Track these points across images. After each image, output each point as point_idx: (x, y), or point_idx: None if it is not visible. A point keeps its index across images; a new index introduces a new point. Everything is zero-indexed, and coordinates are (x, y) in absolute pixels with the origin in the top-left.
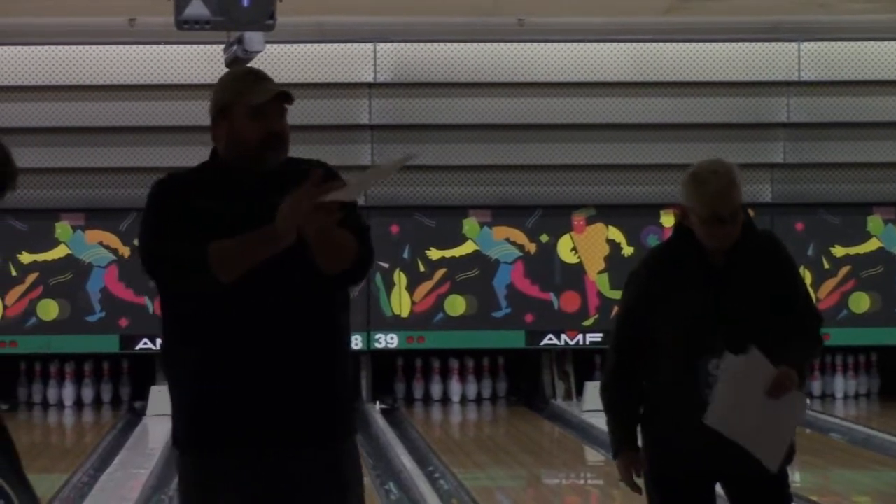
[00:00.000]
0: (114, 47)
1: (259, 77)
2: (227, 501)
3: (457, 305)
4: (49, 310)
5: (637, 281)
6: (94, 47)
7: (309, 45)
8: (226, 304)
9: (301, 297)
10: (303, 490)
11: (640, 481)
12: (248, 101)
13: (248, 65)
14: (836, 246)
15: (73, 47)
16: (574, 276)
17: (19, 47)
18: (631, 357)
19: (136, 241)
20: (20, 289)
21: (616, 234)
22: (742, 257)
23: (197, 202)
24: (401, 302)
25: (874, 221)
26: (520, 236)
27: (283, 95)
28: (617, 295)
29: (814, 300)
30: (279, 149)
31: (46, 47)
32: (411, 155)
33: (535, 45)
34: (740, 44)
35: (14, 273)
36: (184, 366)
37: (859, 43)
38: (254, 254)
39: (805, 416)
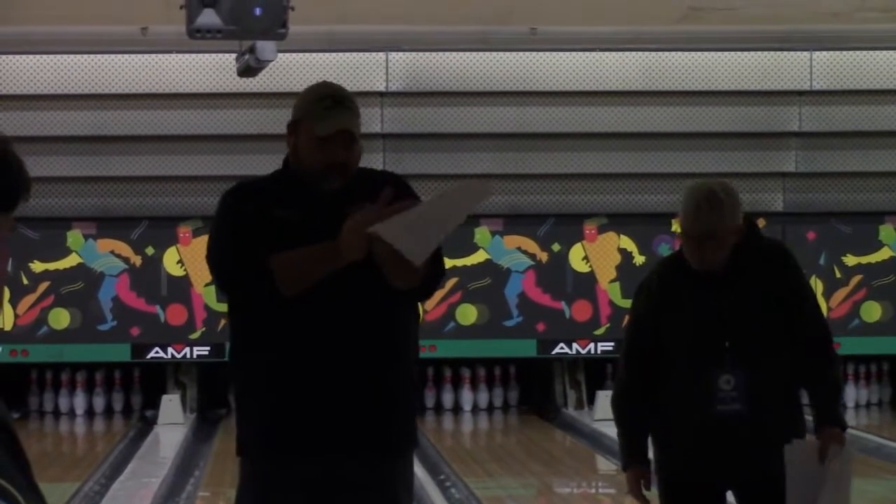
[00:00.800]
0: (126, 56)
1: (336, 102)
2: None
3: (468, 314)
4: (60, 319)
5: (645, 291)
6: (106, 56)
7: (321, 54)
8: (294, 314)
9: (369, 308)
10: (360, 499)
11: (649, 494)
12: (314, 129)
13: (260, 73)
14: (847, 255)
15: (86, 56)
16: (586, 284)
17: (32, 56)
18: (641, 368)
19: (148, 250)
20: (31, 297)
21: (628, 242)
22: (747, 267)
23: (275, 211)
24: None
25: (886, 230)
26: (531, 245)
27: (344, 139)
28: (629, 304)
29: (822, 311)
30: (339, 177)
31: (59, 56)
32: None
33: (548, 53)
34: (752, 53)
35: (25, 282)
36: (252, 374)
37: (871, 52)
38: (316, 269)
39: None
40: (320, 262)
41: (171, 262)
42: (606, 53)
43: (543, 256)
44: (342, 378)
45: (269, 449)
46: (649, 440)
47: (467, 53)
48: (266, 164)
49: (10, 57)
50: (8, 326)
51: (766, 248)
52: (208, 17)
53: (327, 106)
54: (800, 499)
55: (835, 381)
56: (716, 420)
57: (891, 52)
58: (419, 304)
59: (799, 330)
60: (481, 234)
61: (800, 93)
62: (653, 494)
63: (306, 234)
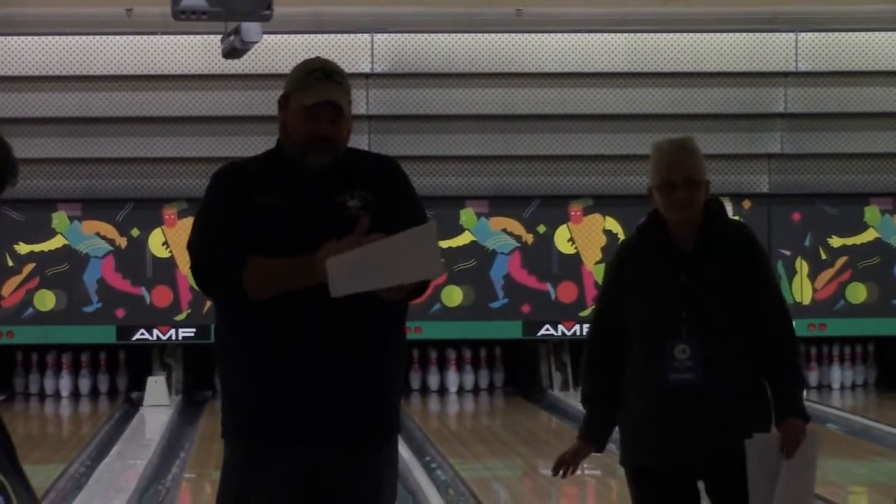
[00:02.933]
0: (111, 37)
1: (325, 75)
2: (265, 492)
3: (454, 296)
4: (46, 300)
5: (609, 269)
6: (91, 37)
7: (306, 36)
8: (278, 303)
9: (352, 298)
10: (339, 488)
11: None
12: (301, 99)
13: (246, 55)
14: (833, 236)
15: (71, 37)
16: (571, 266)
17: (17, 37)
18: (603, 346)
19: (134, 232)
20: (17, 279)
21: (613, 224)
22: (711, 244)
23: (257, 197)
24: None
25: (871, 212)
26: (517, 227)
27: (329, 112)
28: None
29: (784, 297)
30: (324, 152)
31: (44, 37)
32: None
33: (533, 35)
34: (738, 34)
35: (11, 263)
36: (236, 359)
37: (856, 33)
38: (288, 282)
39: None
40: (293, 277)
41: (156, 243)
42: (592, 35)
43: (529, 238)
44: (324, 366)
45: (251, 433)
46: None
47: (452, 35)
48: (252, 145)
49: None
50: None
51: (731, 228)
52: None
53: (317, 77)
54: (763, 493)
55: (797, 370)
56: (670, 390)
57: (876, 33)
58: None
59: (762, 317)
60: (467, 215)
61: (785, 74)
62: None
63: (288, 221)
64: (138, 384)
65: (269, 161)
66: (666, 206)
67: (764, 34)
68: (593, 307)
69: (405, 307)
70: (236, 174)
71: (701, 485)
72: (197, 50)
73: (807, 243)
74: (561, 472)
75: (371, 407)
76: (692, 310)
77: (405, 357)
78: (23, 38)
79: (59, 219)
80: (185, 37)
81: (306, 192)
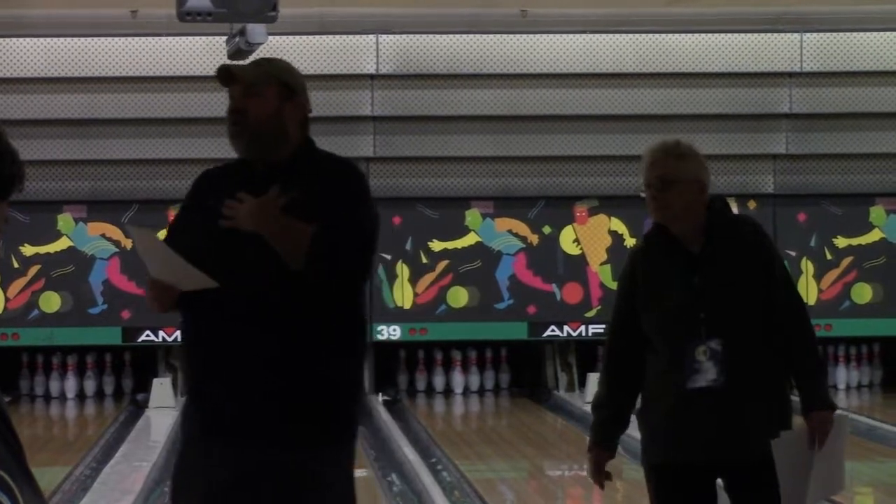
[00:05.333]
0: (117, 39)
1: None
2: (197, 487)
3: (459, 297)
4: (51, 302)
5: (622, 278)
6: (97, 39)
7: (311, 37)
8: (203, 307)
9: (275, 301)
10: (265, 488)
11: (635, 482)
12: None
13: (251, 56)
14: (838, 237)
15: (76, 39)
16: (576, 267)
17: (23, 39)
18: (620, 354)
19: None
20: (22, 281)
21: (618, 225)
22: (719, 243)
23: (209, 201)
24: (403, 294)
25: (877, 212)
26: (522, 227)
27: (221, 75)
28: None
29: (796, 287)
30: (240, 127)
31: (49, 39)
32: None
33: (538, 36)
34: (743, 35)
35: (16, 265)
36: (183, 360)
37: (861, 34)
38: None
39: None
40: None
41: None
42: (597, 35)
43: (534, 239)
44: (248, 368)
45: (193, 432)
46: (633, 428)
47: (458, 36)
48: None
49: (1, 40)
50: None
51: (737, 224)
52: (199, 0)
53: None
54: (794, 489)
55: (816, 360)
56: (692, 391)
57: (881, 33)
58: (353, 291)
59: (776, 311)
60: (472, 216)
61: (790, 74)
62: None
63: (220, 222)
64: (144, 386)
65: (235, 165)
66: (649, 209)
67: (769, 34)
68: (611, 317)
69: (347, 313)
70: (199, 180)
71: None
72: (202, 51)
73: (812, 244)
74: (600, 484)
75: (294, 409)
76: (709, 310)
77: (351, 360)
78: (28, 39)
79: (64, 220)
80: (191, 38)
81: (248, 192)
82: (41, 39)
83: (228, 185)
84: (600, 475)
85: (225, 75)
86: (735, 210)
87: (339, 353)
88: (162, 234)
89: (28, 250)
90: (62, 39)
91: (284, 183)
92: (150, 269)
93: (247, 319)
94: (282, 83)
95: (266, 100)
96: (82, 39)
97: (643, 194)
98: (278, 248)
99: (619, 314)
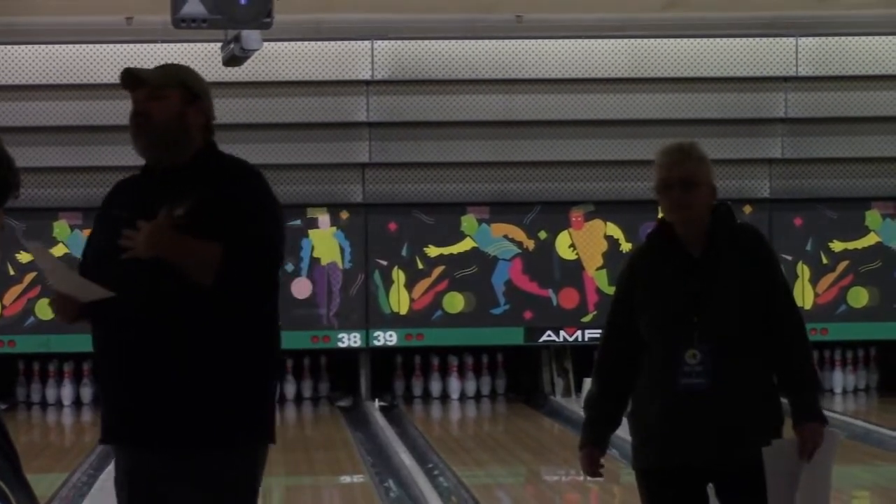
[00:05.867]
0: (112, 46)
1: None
2: (119, 492)
3: (455, 303)
4: (47, 309)
5: (620, 277)
6: (92, 46)
7: (306, 43)
8: (103, 318)
9: (161, 305)
10: (158, 491)
11: (629, 489)
12: None
13: (246, 62)
14: (834, 241)
15: (72, 46)
16: (572, 272)
17: (17, 46)
18: (614, 352)
19: None
20: (18, 288)
21: (614, 230)
22: (720, 249)
23: (113, 210)
24: (399, 299)
25: (872, 216)
26: (518, 233)
27: (125, 79)
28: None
29: (795, 300)
30: (142, 130)
31: (44, 46)
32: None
33: (533, 41)
34: (738, 39)
35: (12, 272)
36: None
37: (857, 38)
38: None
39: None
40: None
41: None
42: (592, 41)
43: (530, 244)
44: (135, 369)
45: (101, 438)
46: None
47: (453, 41)
48: (251, 153)
49: None
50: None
51: (740, 231)
52: (193, 7)
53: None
54: (782, 498)
55: (811, 372)
56: (681, 394)
57: (876, 37)
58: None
59: (772, 321)
60: (468, 222)
61: (786, 79)
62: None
63: (121, 230)
64: None
65: (140, 172)
66: (664, 207)
67: (764, 39)
68: (607, 317)
69: (251, 320)
70: (111, 189)
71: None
72: (197, 58)
73: (808, 248)
74: (593, 477)
75: (173, 412)
76: (703, 315)
77: (255, 365)
78: (24, 46)
79: (60, 227)
80: (185, 45)
81: (146, 200)
82: (37, 47)
83: (132, 193)
84: (594, 467)
85: (129, 79)
86: None
87: (240, 357)
88: None
89: (24, 257)
90: (58, 46)
91: (183, 187)
92: (50, 282)
93: (144, 328)
94: (185, 87)
95: (169, 103)
96: (78, 46)
97: (656, 195)
98: (183, 267)
99: (615, 314)
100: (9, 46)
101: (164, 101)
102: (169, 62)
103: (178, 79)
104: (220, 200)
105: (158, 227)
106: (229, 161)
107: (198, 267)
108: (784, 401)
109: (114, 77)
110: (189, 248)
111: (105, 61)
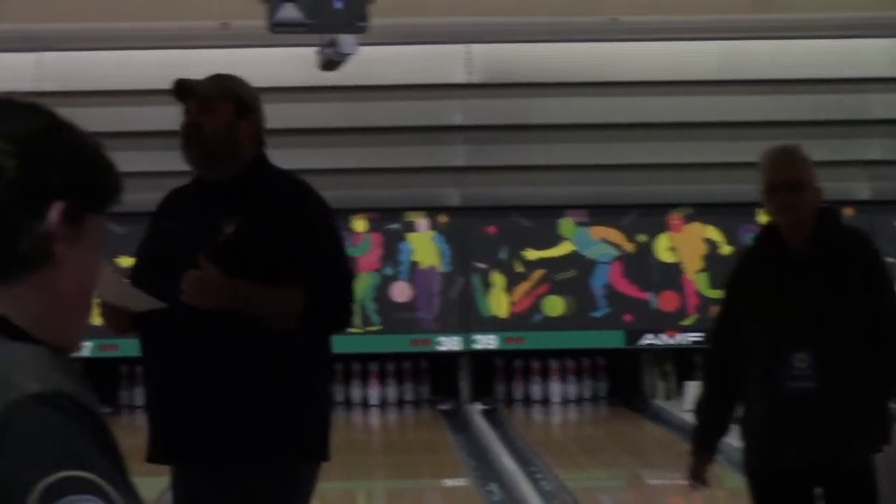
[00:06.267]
0: (207, 51)
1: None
2: None
3: (555, 306)
4: None
5: (727, 280)
6: (188, 51)
7: (401, 47)
8: (148, 330)
9: (215, 323)
10: None
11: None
12: None
13: (342, 66)
14: None
15: (168, 51)
16: (672, 275)
17: (115, 52)
18: (720, 358)
19: None
20: None
21: (713, 232)
22: (826, 252)
23: (164, 223)
24: (499, 303)
25: None
26: (617, 236)
27: (176, 90)
28: (715, 293)
29: None
30: (192, 141)
31: (142, 52)
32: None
33: (628, 43)
34: (832, 40)
35: None
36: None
37: None
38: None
39: None
40: None
41: None
42: (687, 42)
43: (629, 247)
44: (184, 388)
45: (148, 456)
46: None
47: (548, 44)
48: (348, 156)
49: (96, 53)
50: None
51: (846, 234)
52: (289, 12)
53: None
54: None
55: None
56: (788, 398)
57: None
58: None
59: (880, 324)
60: (566, 225)
61: (882, 80)
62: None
63: (175, 245)
64: None
65: (191, 183)
66: (771, 210)
67: (858, 39)
68: (713, 321)
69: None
70: (164, 197)
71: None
72: (292, 62)
73: None
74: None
75: (233, 425)
76: (809, 319)
77: (308, 379)
78: (121, 52)
79: None
80: (281, 49)
81: (196, 212)
82: (134, 52)
83: (183, 204)
84: (698, 478)
85: (180, 89)
86: None
87: (295, 374)
88: None
89: (123, 262)
90: (155, 52)
91: (233, 201)
92: (99, 292)
93: (198, 344)
94: (237, 99)
95: (220, 115)
96: (174, 52)
97: (761, 198)
98: (260, 316)
99: (721, 318)
100: (108, 52)
101: (216, 113)
102: (263, 66)
103: (229, 91)
104: (274, 221)
105: (203, 279)
106: (280, 175)
107: (280, 316)
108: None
109: None
110: (258, 299)
111: (201, 66)
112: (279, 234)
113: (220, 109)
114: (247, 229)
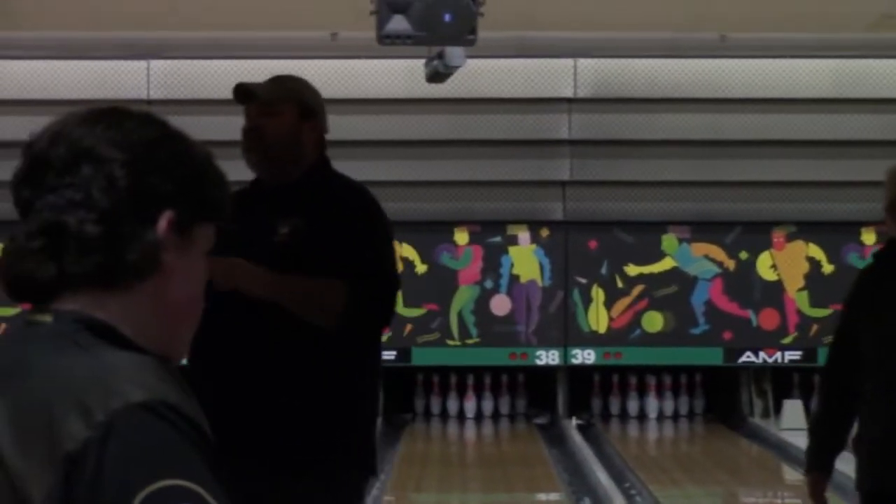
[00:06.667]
0: (316, 61)
1: (243, 88)
2: None
3: (654, 321)
4: None
5: (848, 295)
6: (296, 61)
7: (509, 60)
8: (207, 328)
9: (266, 328)
10: None
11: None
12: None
13: (449, 79)
14: None
15: (276, 61)
16: (773, 293)
17: (224, 61)
18: (838, 375)
19: None
20: None
21: (816, 251)
22: None
23: (224, 224)
24: (598, 317)
25: None
26: (719, 252)
27: (238, 93)
28: (816, 312)
29: None
30: (255, 145)
31: (250, 61)
32: None
33: (736, 60)
34: None
35: None
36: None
37: None
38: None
39: None
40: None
41: None
42: (795, 60)
43: (731, 264)
44: (237, 389)
45: None
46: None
47: (656, 60)
48: (452, 169)
49: (204, 62)
50: None
51: None
52: (398, 24)
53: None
54: None
55: None
56: None
57: None
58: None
59: None
60: (668, 241)
61: None
62: None
63: (228, 244)
64: None
65: (250, 184)
66: (892, 228)
67: None
68: (832, 337)
69: (354, 343)
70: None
71: None
72: (400, 74)
73: None
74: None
75: (285, 433)
76: None
77: (355, 389)
78: (228, 61)
79: None
80: (389, 61)
81: (254, 214)
82: (241, 61)
83: (241, 205)
84: (817, 497)
85: (242, 93)
86: None
87: (343, 387)
88: None
89: None
90: (262, 62)
91: (292, 204)
92: None
93: (245, 350)
94: (301, 102)
95: (283, 119)
96: (283, 61)
97: (884, 216)
98: (301, 308)
99: (840, 335)
100: (214, 61)
101: (278, 116)
102: (371, 77)
103: (293, 94)
104: (330, 223)
105: (233, 264)
106: (340, 180)
107: (318, 311)
108: None
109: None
110: (297, 286)
111: (309, 76)
112: (333, 238)
113: (282, 112)
114: (302, 231)
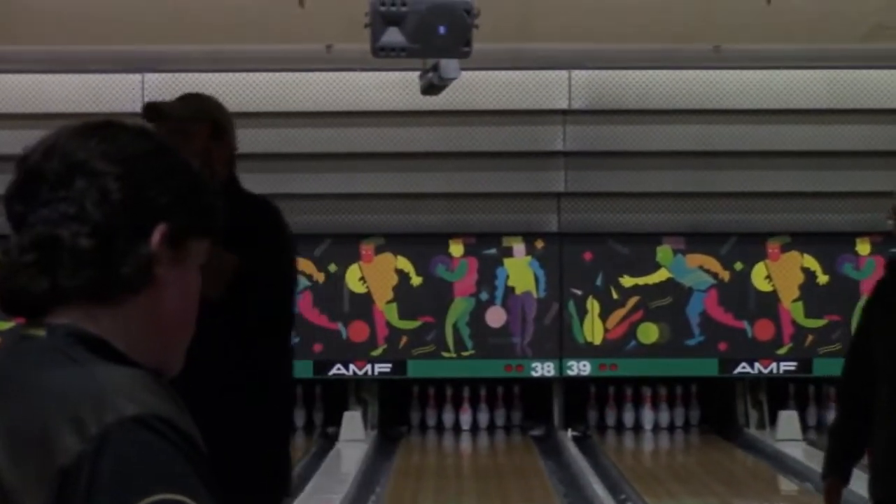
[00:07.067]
0: (310, 74)
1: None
2: None
3: (649, 333)
4: None
5: (864, 304)
6: (291, 74)
7: (504, 72)
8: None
9: (212, 343)
10: None
11: None
12: None
13: (444, 91)
14: None
15: (271, 74)
16: (768, 304)
17: (218, 74)
18: (852, 385)
19: (332, 267)
20: None
21: (811, 262)
22: None
23: None
24: (593, 329)
25: None
26: (713, 264)
27: (148, 112)
28: (811, 323)
29: None
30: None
31: (244, 74)
32: None
33: (731, 71)
34: None
35: None
36: None
37: None
38: None
39: None
40: None
41: (353, 279)
42: (789, 71)
43: (725, 275)
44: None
45: None
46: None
47: (650, 71)
48: (448, 181)
49: (198, 75)
50: None
51: None
52: (393, 36)
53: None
54: None
55: None
56: None
57: None
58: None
59: None
60: (663, 252)
61: None
62: None
63: None
64: (334, 419)
65: None
66: None
67: None
68: (848, 346)
69: (274, 354)
70: None
71: None
72: (394, 86)
73: None
74: None
75: (239, 454)
76: None
77: (263, 408)
78: (222, 74)
79: None
80: (383, 73)
81: None
82: (236, 74)
83: None
84: (835, 499)
85: (151, 112)
86: None
87: (260, 406)
88: (360, 269)
89: None
90: (256, 74)
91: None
92: None
93: (198, 365)
94: (212, 122)
95: (195, 139)
96: (277, 74)
97: (892, 226)
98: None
99: (856, 343)
100: (211, 74)
101: (190, 136)
102: (365, 89)
103: (205, 113)
104: (238, 241)
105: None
106: (250, 198)
107: (212, 279)
108: None
109: (312, 105)
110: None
111: (305, 89)
112: (243, 254)
113: (195, 133)
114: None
